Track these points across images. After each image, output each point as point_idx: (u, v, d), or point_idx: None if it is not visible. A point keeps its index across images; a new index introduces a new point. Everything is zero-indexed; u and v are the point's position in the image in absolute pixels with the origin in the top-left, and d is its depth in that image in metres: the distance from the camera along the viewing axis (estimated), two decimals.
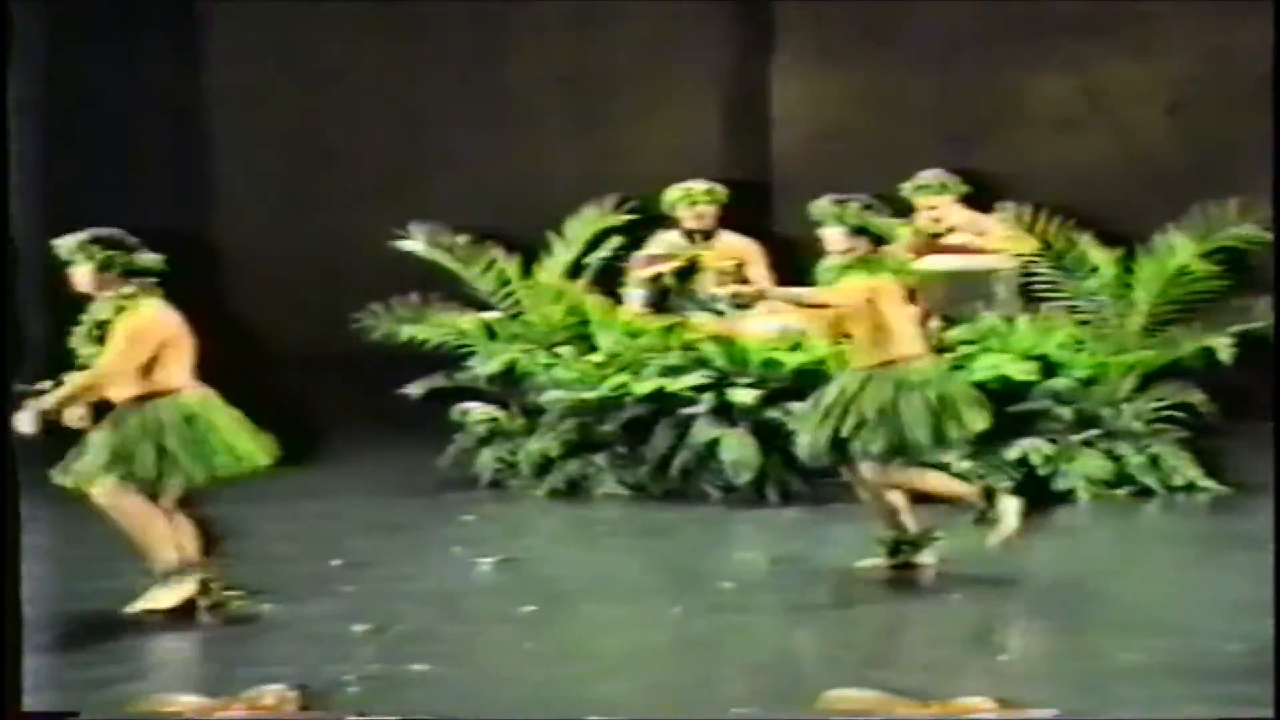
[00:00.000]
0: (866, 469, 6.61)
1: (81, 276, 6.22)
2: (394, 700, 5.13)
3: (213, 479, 6.28)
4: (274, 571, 6.85)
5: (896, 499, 6.71)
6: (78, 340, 6.23)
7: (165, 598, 6.23)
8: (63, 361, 6.31)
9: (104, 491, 6.18)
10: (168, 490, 6.25)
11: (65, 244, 6.24)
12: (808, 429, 6.69)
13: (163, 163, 11.27)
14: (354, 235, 10.50)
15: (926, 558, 6.70)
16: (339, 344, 9.07)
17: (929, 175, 9.18)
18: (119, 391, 6.22)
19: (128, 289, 6.19)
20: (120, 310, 6.17)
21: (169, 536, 6.26)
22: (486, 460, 8.60)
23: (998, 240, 8.86)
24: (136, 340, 6.15)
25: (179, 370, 6.26)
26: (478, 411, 8.70)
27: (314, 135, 11.64)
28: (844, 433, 6.50)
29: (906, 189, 9.12)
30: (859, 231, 6.59)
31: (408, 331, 8.77)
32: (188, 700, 5.10)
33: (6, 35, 4.54)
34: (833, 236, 6.66)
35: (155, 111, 11.28)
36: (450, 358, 8.84)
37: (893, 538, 6.71)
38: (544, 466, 8.47)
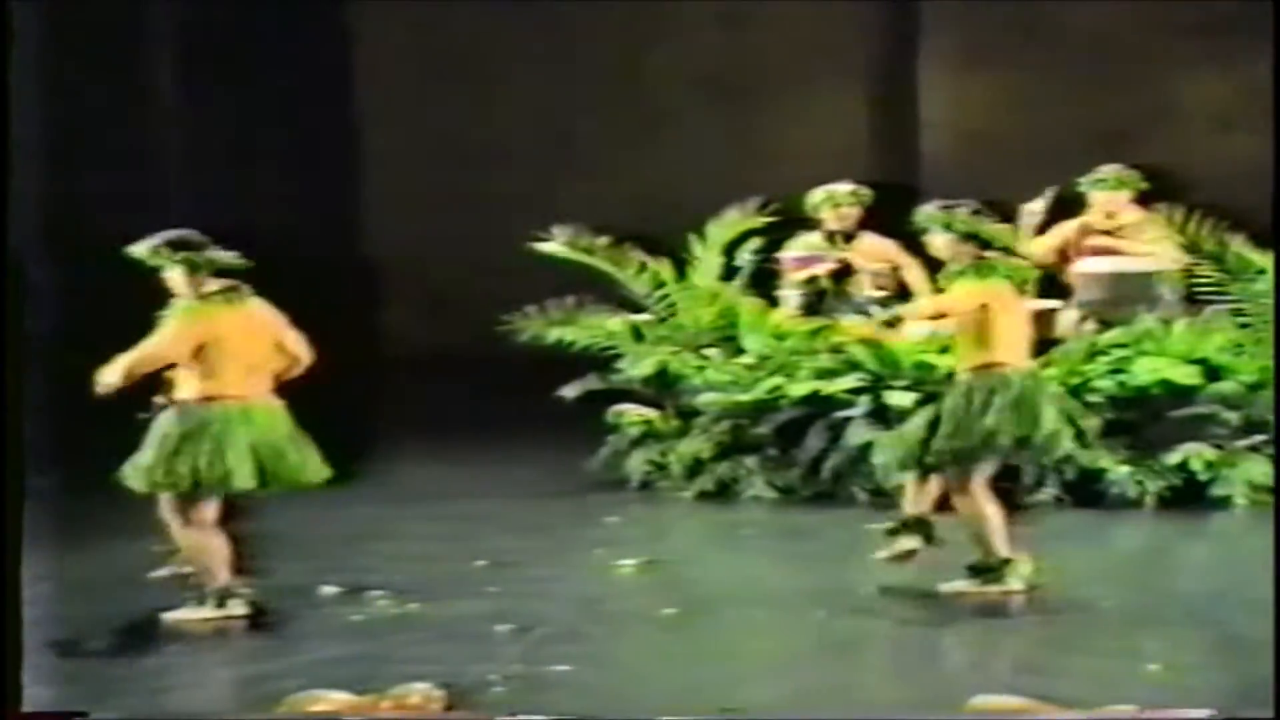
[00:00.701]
0: (950, 477, 6.48)
1: (174, 280, 6.24)
2: (538, 700, 5.15)
3: (233, 490, 6.23)
4: (420, 571, 6.93)
5: (992, 518, 6.48)
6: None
7: (201, 613, 6.25)
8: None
9: (163, 508, 6.26)
10: (205, 497, 6.25)
11: (141, 249, 6.25)
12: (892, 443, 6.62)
13: (312, 168, 11.43)
14: (502, 238, 10.58)
15: (1014, 583, 6.42)
16: (489, 346, 9.14)
17: (1107, 169, 9.02)
18: (182, 390, 6.27)
19: (210, 290, 6.22)
20: (187, 310, 6.20)
21: (222, 557, 6.28)
22: (637, 462, 8.63)
23: (1149, 241, 8.70)
24: (175, 335, 6.15)
25: (234, 377, 6.20)
26: (633, 413, 8.73)
27: (462, 140, 11.76)
28: (933, 441, 6.42)
29: (1084, 183, 8.98)
30: (968, 238, 6.51)
31: (556, 334, 8.83)
32: (336, 697, 5.15)
33: (7, 35, 4.57)
34: (938, 243, 6.58)
35: (306, 119, 11.45)
36: (600, 360, 8.88)
37: (979, 560, 6.48)
38: (694, 468, 8.49)
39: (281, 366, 6.37)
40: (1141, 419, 8.08)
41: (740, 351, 8.62)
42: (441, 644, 5.87)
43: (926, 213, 6.59)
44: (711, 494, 8.37)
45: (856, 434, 8.16)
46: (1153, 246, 8.65)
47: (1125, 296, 8.50)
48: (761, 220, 8.90)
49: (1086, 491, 7.97)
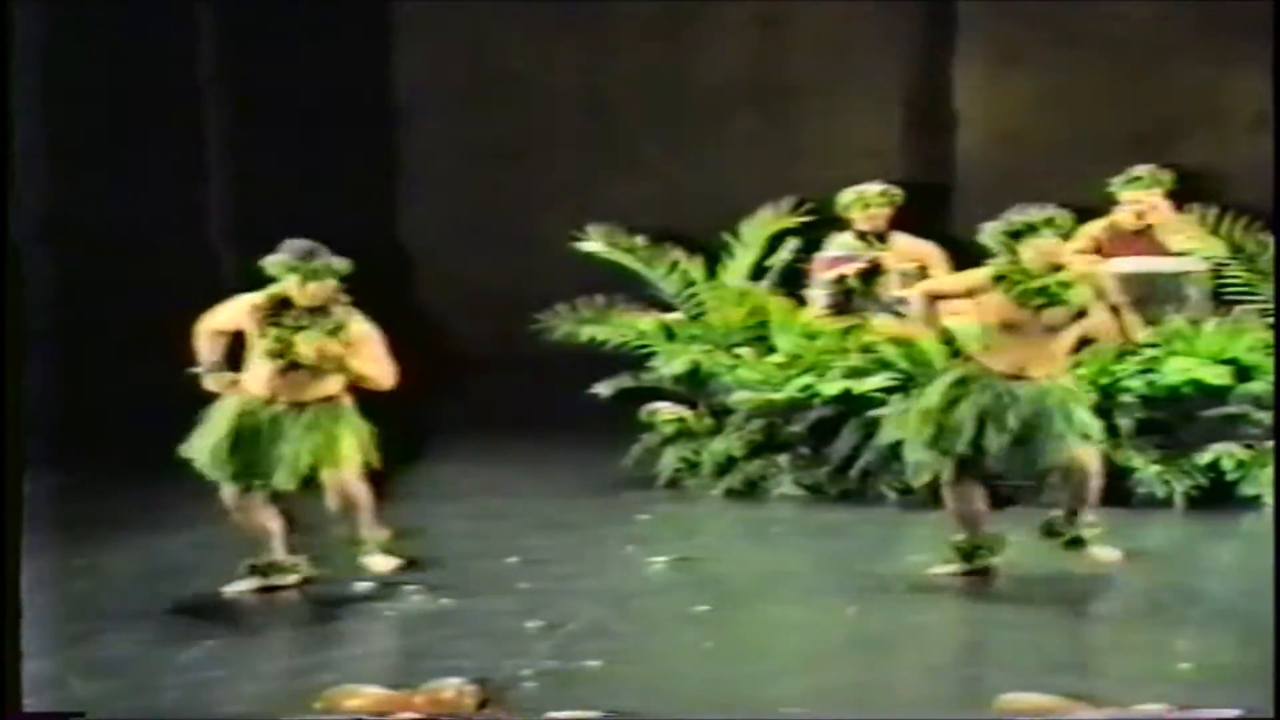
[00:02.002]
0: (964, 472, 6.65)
1: (312, 291, 6.46)
2: (569, 696, 5.19)
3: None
4: (454, 567, 6.98)
5: (980, 505, 6.71)
6: (303, 344, 6.46)
7: (251, 585, 6.59)
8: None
9: (224, 493, 6.59)
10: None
11: (273, 263, 6.52)
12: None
13: (350, 165, 11.48)
14: (538, 236, 10.63)
15: (991, 561, 6.73)
16: (524, 344, 9.19)
17: (1141, 169, 9.04)
18: (256, 385, 6.53)
19: (341, 301, 6.52)
20: (344, 325, 6.48)
21: (272, 533, 6.65)
22: (669, 460, 8.68)
23: (1184, 241, 8.70)
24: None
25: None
26: (666, 411, 8.78)
27: (499, 137, 11.80)
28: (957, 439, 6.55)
29: (1116, 183, 8.99)
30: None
31: (588, 332, 8.89)
32: (370, 692, 5.21)
33: (6, 35, 4.63)
34: (1056, 248, 6.58)
35: (343, 114, 11.50)
36: (633, 359, 8.93)
37: (967, 542, 6.71)
38: (725, 467, 8.53)
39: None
40: (1173, 419, 8.10)
41: (771, 350, 8.67)
42: (474, 639, 5.93)
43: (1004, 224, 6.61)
44: (739, 492, 8.42)
45: (889, 432, 8.18)
46: (1183, 246, 8.66)
47: (1154, 296, 8.51)
48: (796, 219, 8.95)
49: (1114, 491, 7.97)
